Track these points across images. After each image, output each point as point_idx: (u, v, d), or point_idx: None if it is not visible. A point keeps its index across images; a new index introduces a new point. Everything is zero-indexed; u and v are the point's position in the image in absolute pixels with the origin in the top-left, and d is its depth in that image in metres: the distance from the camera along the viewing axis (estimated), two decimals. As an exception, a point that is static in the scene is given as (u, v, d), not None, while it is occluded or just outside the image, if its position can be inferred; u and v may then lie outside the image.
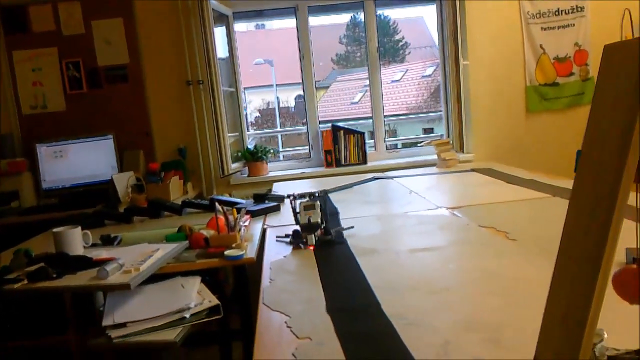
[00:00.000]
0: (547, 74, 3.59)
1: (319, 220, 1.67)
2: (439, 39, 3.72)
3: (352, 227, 1.81)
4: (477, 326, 1.00)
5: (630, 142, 0.53)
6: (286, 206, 2.51)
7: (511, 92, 3.64)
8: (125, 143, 3.33)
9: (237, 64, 3.68)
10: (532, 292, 1.15)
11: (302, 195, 1.84)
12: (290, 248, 1.69)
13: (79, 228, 1.78)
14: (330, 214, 2.07)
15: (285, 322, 1.11)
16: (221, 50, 3.51)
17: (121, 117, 3.41)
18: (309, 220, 1.66)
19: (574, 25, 3.54)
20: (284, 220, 2.14)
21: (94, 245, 1.90)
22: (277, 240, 1.79)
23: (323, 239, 1.68)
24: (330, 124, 3.76)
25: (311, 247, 1.64)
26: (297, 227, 1.72)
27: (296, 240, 1.69)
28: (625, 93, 0.55)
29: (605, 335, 0.70)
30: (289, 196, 1.87)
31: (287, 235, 1.77)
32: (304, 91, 3.78)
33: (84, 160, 3.26)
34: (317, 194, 1.84)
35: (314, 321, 1.10)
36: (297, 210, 1.75)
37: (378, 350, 0.94)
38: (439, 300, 1.15)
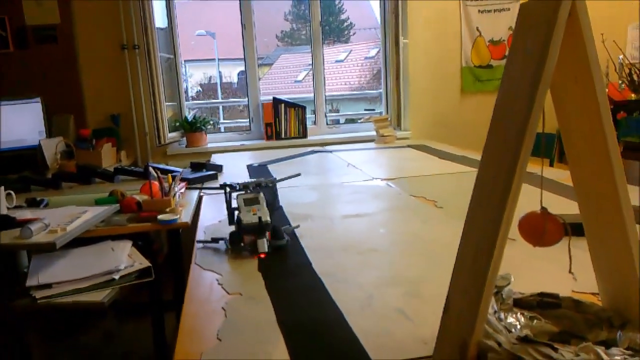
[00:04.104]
0: (482, 56, 3.72)
1: (269, 219, 1.27)
2: (380, 17, 3.76)
3: (297, 227, 1.46)
4: (400, 281, 1.05)
5: (536, 91, 0.58)
6: (224, 175, 2.48)
7: (448, 72, 3.75)
8: (55, 107, 3.17)
9: (177, 32, 3.57)
10: (452, 252, 1.21)
11: (243, 186, 1.40)
12: (224, 256, 1.27)
13: (2, 188, 1.70)
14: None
15: (217, 280, 1.12)
16: (160, 18, 3.38)
17: (50, 80, 3.23)
18: (260, 220, 1.25)
19: (509, 9, 3.67)
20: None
21: (18, 207, 1.81)
22: (203, 247, 1.34)
23: (275, 244, 1.28)
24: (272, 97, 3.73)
25: (262, 256, 1.23)
26: (233, 229, 1.34)
27: (237, 247, 1.29)
28: (535, 46, 0.59)
29: (512, 280, 0.76)
30: (222, 186, 1.42)
31: (214, 240, 1.36)
32: (245, 63, 3.71)
33: (9, 124, 3.07)
34: (263, 184, 1.42)
35: (245, 279, 1.12)
36: (235, 204, 1.34)
37: (306, 303, 0.97)
38: (367, 260, 1.20)
